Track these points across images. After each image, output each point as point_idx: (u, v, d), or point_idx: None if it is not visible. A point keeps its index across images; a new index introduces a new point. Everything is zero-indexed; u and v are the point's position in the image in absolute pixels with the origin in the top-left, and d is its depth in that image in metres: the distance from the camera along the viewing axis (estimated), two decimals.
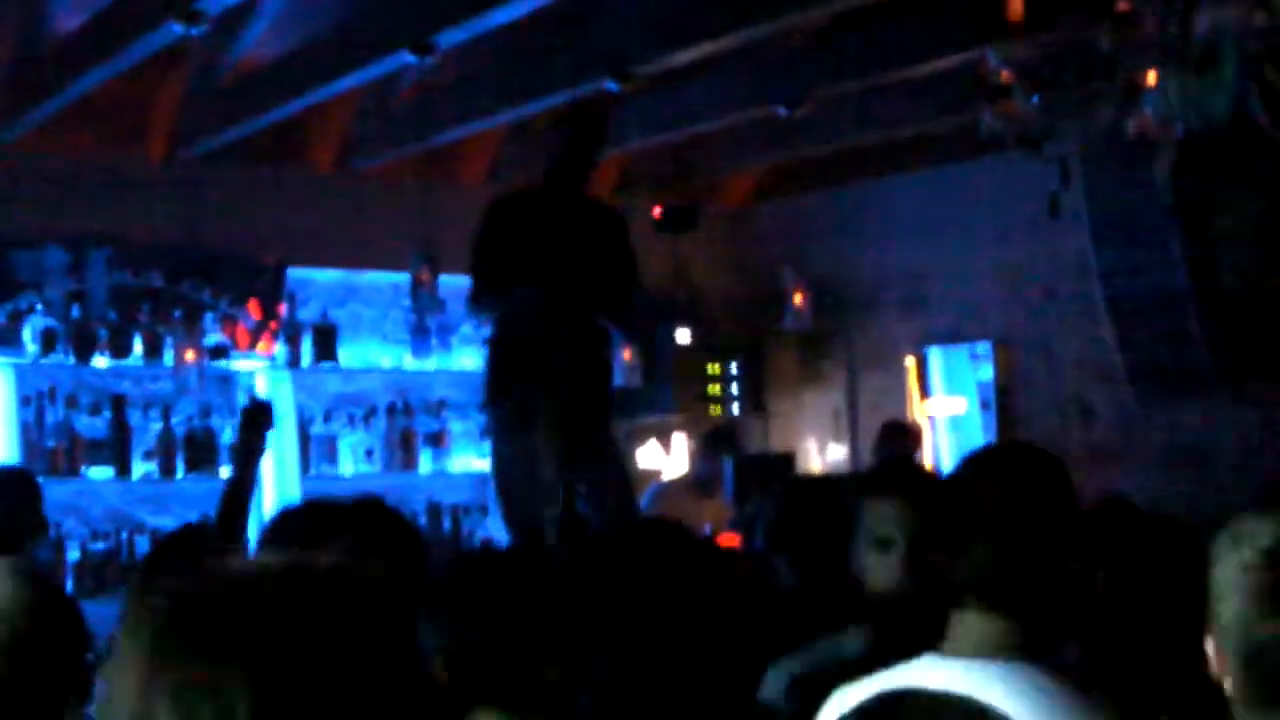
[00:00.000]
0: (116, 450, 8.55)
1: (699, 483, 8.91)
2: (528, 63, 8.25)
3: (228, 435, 8.81)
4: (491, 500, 9.35)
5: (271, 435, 4.92)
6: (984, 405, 9.90)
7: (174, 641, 1.51)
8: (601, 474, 6.81)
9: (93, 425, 8.55)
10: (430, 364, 9.71)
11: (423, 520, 9.29)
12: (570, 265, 6.96)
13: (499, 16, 6.78)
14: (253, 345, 8.92)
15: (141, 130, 8.94)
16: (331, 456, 9.22)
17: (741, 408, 10.83)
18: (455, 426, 9.60)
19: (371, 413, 9.48)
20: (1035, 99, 6.17)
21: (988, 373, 9.84)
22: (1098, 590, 3.24)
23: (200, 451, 8.67)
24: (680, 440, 10.43)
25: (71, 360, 8.43)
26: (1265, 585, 2.34)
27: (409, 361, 9.71)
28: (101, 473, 8.52)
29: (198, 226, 8.79)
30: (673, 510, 8.43)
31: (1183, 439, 8.79)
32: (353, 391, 9.57)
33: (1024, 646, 2.77)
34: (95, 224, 8.48)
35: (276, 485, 8.63)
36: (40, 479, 7.89)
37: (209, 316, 8.77)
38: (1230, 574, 2.39)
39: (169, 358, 8.61)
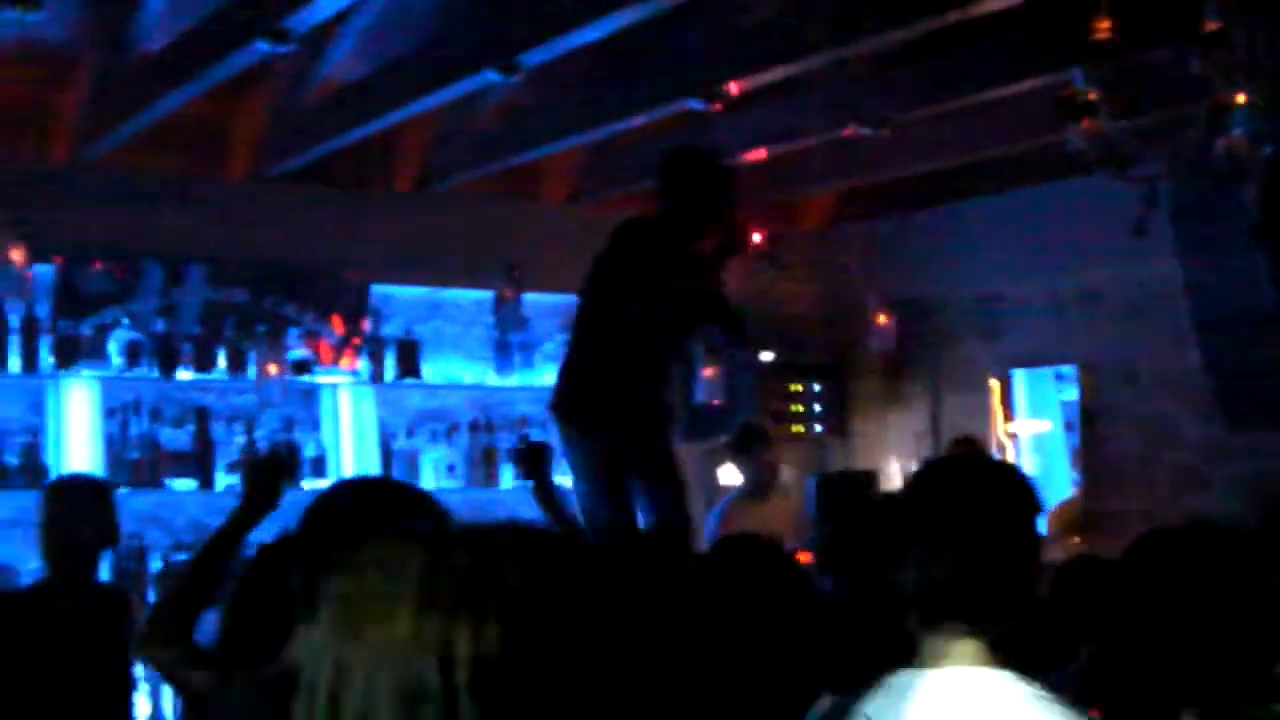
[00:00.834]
0: (199, 462, 8.62)
1: (747, 492, 8.88)
2: (611, 83, 8.27)
3: (310, 449, 8.87)
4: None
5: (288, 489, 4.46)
6: (1068, 427, 9.84)
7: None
8: (653, 485, 6.77)
9: (176, 438, 8.63)
10: (513, 380, 9.73)
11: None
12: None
13: (583, 36, 6.79)
14: (336, 360, 8.98)
15: (226, 148, 9.02)
16: (413, 472, 9.24)
17: (824, 427, 10.81)
18: None
19: (454, 428, 9.51)
20: (1122, 120, 6.12)
21: (1072, 394, 9.77)
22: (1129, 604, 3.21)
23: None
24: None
25: (156, 374, 8.51)
26: None
27: (491, 378, 9.73)
28: (185, 484, 8.59)
29: (282, 244, 8.85)
30: (734, 521, 8.43)
31: (1269, 464, 8.69)
32: (435, 407, 9.61)
33: (999, 658, 2.74)
34: (180, 241, 8.55)
35: None
36: (123, 490, 8.01)
37: (293, 331, 8.84)
38: None
39: (253, 372, 8.67)
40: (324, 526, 3.28)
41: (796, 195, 10.66)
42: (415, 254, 9.33)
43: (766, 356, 10.34)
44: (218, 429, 8.76)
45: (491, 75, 7.14)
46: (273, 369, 8.63)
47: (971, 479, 2.96)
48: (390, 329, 9.34)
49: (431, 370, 9.52)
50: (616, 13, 6.47)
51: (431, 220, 9.43)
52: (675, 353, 6.89)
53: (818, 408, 10.84)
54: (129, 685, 5.88)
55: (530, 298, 9.36)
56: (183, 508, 8.76)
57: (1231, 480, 8.87)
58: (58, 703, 5.26)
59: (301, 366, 8.86)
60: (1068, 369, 9.81)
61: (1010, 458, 9.94)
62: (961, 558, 2.78)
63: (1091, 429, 9.67)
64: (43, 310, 8.29)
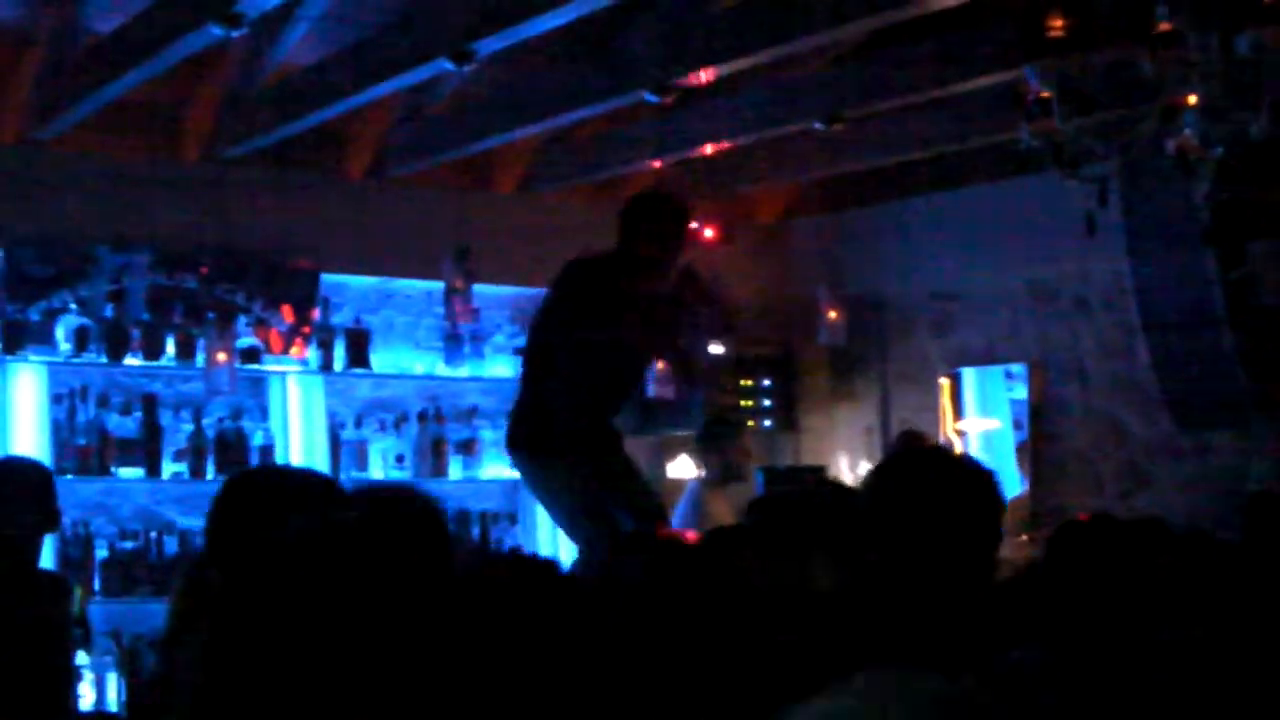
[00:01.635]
0: (147, 450, 8.57)
1: (712, 479, 8.89)
2: (564, 73, 8.26)
3: (259, 437, 8.83)
4: (521, 507, 9.40)
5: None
6: (1017, 425, 9.88)
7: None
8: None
9: (124, 425, 8.57)
10: (462, 371, 9.71)
11: (452, 528, 9.28)
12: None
13: (537, 26, 6.78)
14: (285, 349, 8.94)
15: (178, 133, 8.97)
16: (362, 462, 9.22)
17: (773, 422, 10.82)
18: (486, 434, 9.59)
19: (403, 419, 9.48)
20: (1074, 119, 6.14)
21: (1021, 392, 9.81)
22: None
23: (230, 453, 8.68)
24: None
25: (104, 360, 8.45)
26: None
27: (441, 368, 9.71)
28: (131, 472, 8.54)
29: (232, 230, 8.78)
30: (704, 508, 8.45)
31: (1215, 462, 8.75)
32: (384, 397, 9.58)
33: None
34: (130, 225, 8.50)
35: None
36: (70, 477, 7.95)
37: (242, 319, 8.79)
38: None
39: (201, 359, 8.62)
40: (230, 513, 3.28)
41: (749, 189, 10.65)
42: (367, 242, 9.30)
43: (716, 350, 10.35)
44: (165, 416, 8.71)
45: (445, 63, 7.12)
46: (221, 356, 8.57)
47: (935, 476, 2.96)
48: (340, 318, 9.31)
49: (381, 360, 9.48)
50: (572, 3, 6.46)
51: (383, 209, 9.40)
52: (625, 384, 6.95)
53: (767, 402, 10.84)
54: (70, 674, 5.83)
55: (481, 288, 9.34)
56: (129, 495, 8.72)
57: (1179, 479, 8.92)
58: None
59: (250, 354, 8.82)
60: (1017, 367, 9.84)
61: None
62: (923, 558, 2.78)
63: (1040, 426, 9.71)
64: None
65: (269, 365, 8.96)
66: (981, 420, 10.03)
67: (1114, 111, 6.50)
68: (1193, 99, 5.76)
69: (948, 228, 10.07)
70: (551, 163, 9.91)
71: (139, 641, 7.90)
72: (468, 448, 9.55)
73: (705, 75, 7.57)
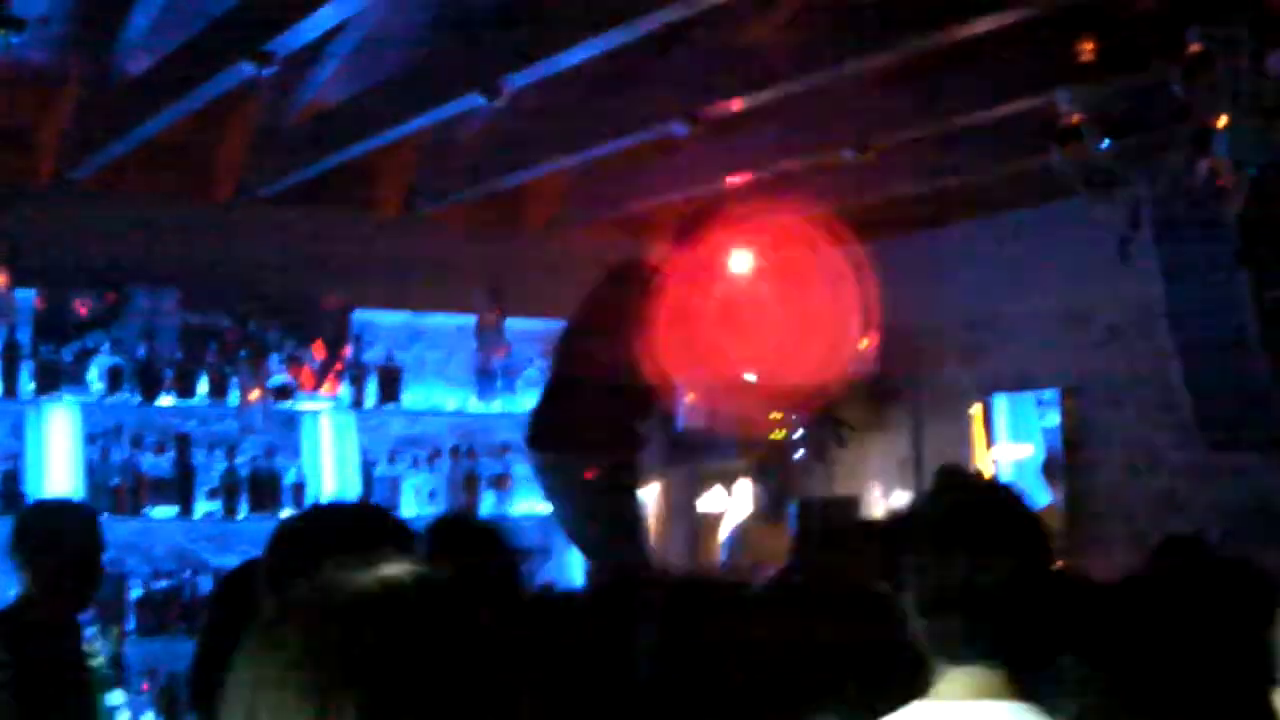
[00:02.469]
0: (180, 489, 8.59)
1: (762, 514, 8.87)
2: (594, 107, 8.27)
3: (292, 475, 8.84)
4: (553, 541, 9.39)
5: None
6: (1050, 452, 9.84)
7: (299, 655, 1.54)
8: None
9: (157, 464, 8.59)
10: (495, 407, 9.72)
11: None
12: None
13: (567, 60, 6.79)
14: (317, 386, 8.96)
15: (209, 171, 9.00)
16: (395, 499, 9.22)
17: (805, 454, 10.79)
18: (519, 470, 9.58)
19: (435, 455, 9.49)
20: (1106, 142, 6.14)
21: (1054, 419, 9.77)
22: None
23: (263, 492, 8.70)
24: (743, 485, 10.39)
25: (137, 399, 8.47)
26: None
27: (473, 404, 9.71)
28: (165, 511, 8.55)
29: (264, 268, 8.82)
30: (752, 545, 8.43)
31: (1250, 488, 8.70)
32: (417, 433, 9.59)
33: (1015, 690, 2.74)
34: (162, 264, 8.52)
35: None
36: (105, 517, 7.95)
37: (274, 357, 8.81)
38: None
39: (234, 398, 8.64)
40: (288, 552, 3.25)
41: (781, 218, 10.63)
42: (398, 278, 9.31)
43: (748, 382, 10.33)
44: (198, 455, 8.73)
45: (475, 98, 7.14)
46: (254, 395, 8.60)
47: (984, 510, 2.95)
48: (372, 355, 9.32)
49: (413, 396, 9.49)
50: (602, 35, 6.48)
51: (414, 245, 9.40)
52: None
53: (799, 433, 10.81)
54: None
55: (513, 323, 9.35)
56: (163, 535, 8.72)
57: (1214, 503, 8.87)
58: None
59: (283, 392, 8.84)
60: (1050, 393, 9.80)
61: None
62: (977, 589, 2.77)
63: (1074, 453, 9.67)
64: (24, 335, 8.25)
65: (301, 403, 8.97)
66: (1014, 447, 9.99)
67: (1146, 135, 6.50)
68: (1223, 120, 5.75)
69: (979, 255, 10.04)
70: (581, 198, 9.92)
71: (174, 680, 7.90)
72: (500, 483, 9.55)
73: (735, 106, 7.58)
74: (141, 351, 8.46)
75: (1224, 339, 8.36)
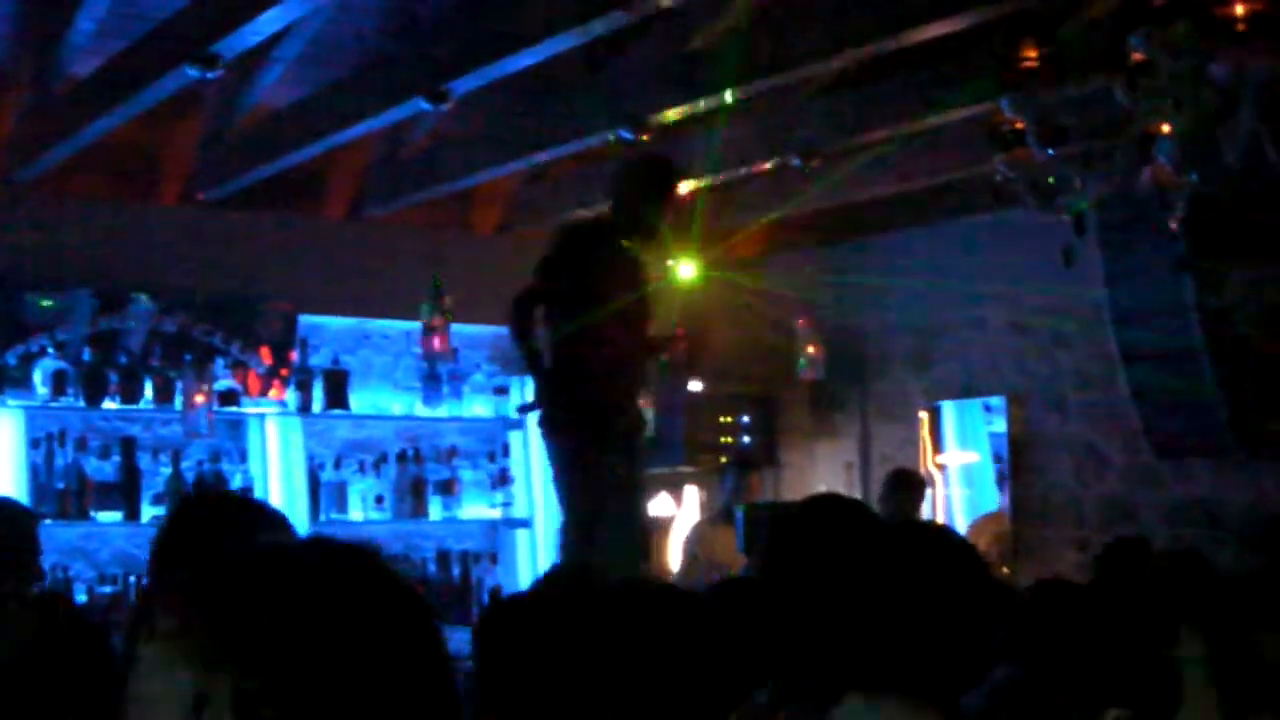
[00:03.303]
0: (125, 494, 8.54)
1: (725, 513, 8.87)
2: (541, 111, 8.27)
3: (238, 480, 8.81)
4: (501, 546, 9.37)
5: None
6: (997, 458, 9.88)
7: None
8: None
9: (102, 469, 8.55)
10: (441, 411, 9.70)
11: (432, 567, 9.28)
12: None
13: (513, 64, 6.79)
14: (264, 391, 8.93)
15: (156, 175, 8.97)
16: (341, 503, 9.20)
17: (753, 459, 10.81)
18: (466, 474, 9.59)
19: (382, 459, 9.47)
20: (1050, 150, 6.15)
21: (1001, 425, 9.81)
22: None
23: None
24: (691, 491, 10.40)
25: (82, 403, 8.43)
26: None
27: (420, 409, 9.69)
28: (110, 516, 8.50)
29: (210, 272, 8.79)
30: (711, 545, 8.43)
31: (1194, 493, 8.75)
32: (363, 438, 9.57)
33: None
34: (107, 268, 8.49)
35: None
36: (49, 522, 7.90)
37: (220, 361, 8.77)
38: None
39: (179, 402, 8.59)
40: (169, 548, 3.24)
41: (728, 225, 10.66)
42: (345, 283, 9.30)
43: (695, 387, 10.35)
44: (144, 460, 8.69)
45: (422, 103, 7.13)
46: (199, 399, 8.56)
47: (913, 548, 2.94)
48: (318, 359, 9.30)
49: (359, 401, 9.47)
50: (547, 41, 6.48)
51: (360, 249, 9.40)
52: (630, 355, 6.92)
53: (746, 438, 10.84)
54: None
55: (459, 328, 9.34)
56: (108, 540, 8.68)
57: (1161, 509, 8.92)
58: None
59: (228, 397, 8.81)
60: (996, 400, 9.85)
61: (940, 489, 9.99)
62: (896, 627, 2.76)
63: (1020, 459, 9.72)
64: None
65: (247, 407, 8.94)
66: (961, 454, 10.03)
67: (1089, 142, 6.52)
68: (1167, 127, 5.77)
69: (925, 262, 10.09)
70: (529, 202, 9.92)
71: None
72: (447, 488, 9.53)
73: (679, 112, 7.59)
74: (86, 355, 8.41)
75: (1169, 346, 8.41)
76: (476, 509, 9.61)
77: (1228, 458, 8.53)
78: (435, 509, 9.48)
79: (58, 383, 8.36)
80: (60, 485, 8.38)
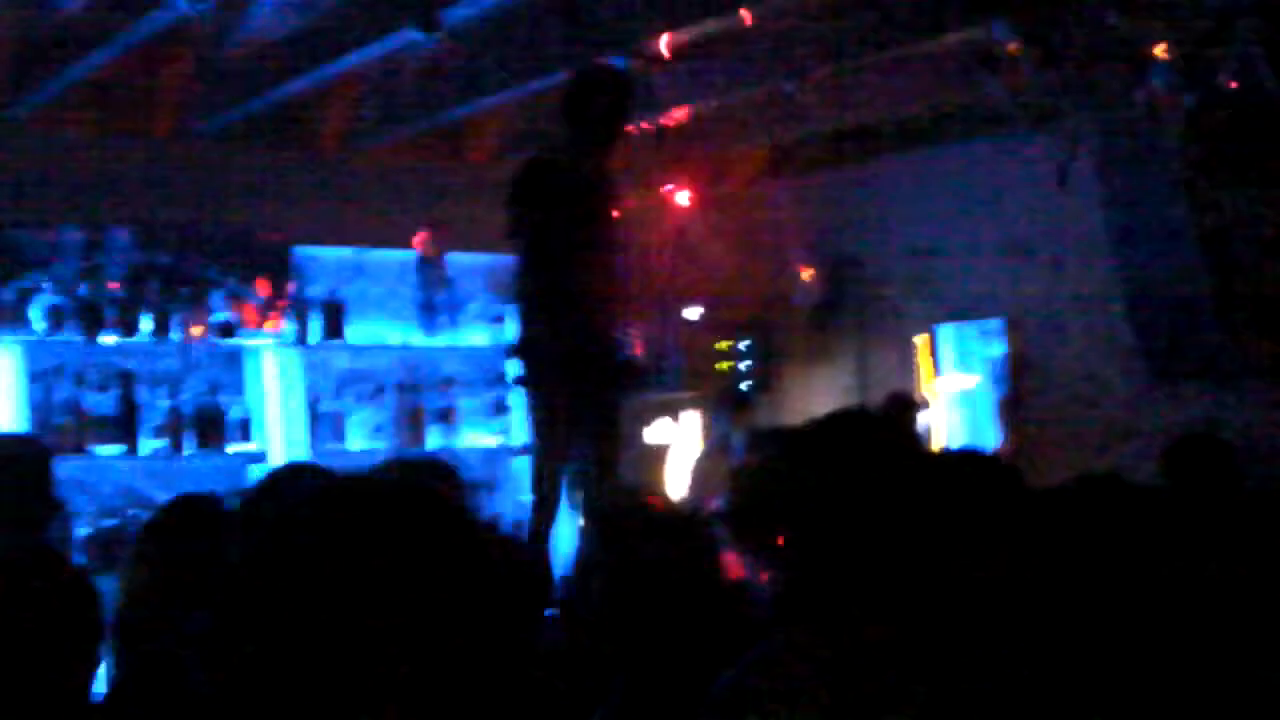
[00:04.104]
0: (125, 427, 8.55)
1: (720, 445, 8.88)
2: (534, 40, 8.23)
3: (236, 412, 8.82)
4: (499, 474, 9.39)
5: None
6: (995, 381, 9.89)
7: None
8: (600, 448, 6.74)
9: (101, 402, 8.55)
10: (439, 341, 9.70)
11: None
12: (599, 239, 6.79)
13: None
14: (261, 322, 8.93)
15: (148, 109, 8.92)
16: (339, 433, 9.22)
17: (751, 384, 10.83)
18: (464, 403, 9.59)
19: (380, 389, 9.48)
20: (1042, 71, 6.15)
21: (999, 349, 9.82)
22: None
23: (208, 427, 8.67)
24: (690, 416, 10.43)
25: (79, 338, 8.43)
26: None
27: (417, 338, 9.69)
28: (110, 449, 8.52)
29: (205, 205, 8.78)
30: (709, 476, 8.43)
31: (1191, 416, 8.75)
32: (361, 368, 9.56)
33: None
34: (103, 202, 8.48)
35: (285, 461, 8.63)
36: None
37: (217, 294, 8.78)
38: None
39: (177, 335, 8.60)
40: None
41: (723, 151, 10.64)
42: (340, 214, 9.29)
43: (693, 313, 10.36)
44: (142, 393, 8.69)
45: (413, 34, 7.10)
46: (197, 331, 8.57)
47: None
48: (314, 290, 9.29)
49: (356, 331, 9.47)
50: None
51: (355, 180, 9.38)
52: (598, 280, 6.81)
53: (744, 364, 10.86)
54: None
55: (455, 257, 9.32)
56: (109, 473, 8.69)
57: (1159, 431, 8.93)
58: None
59: (226, 329, 8.81)
60: (994, 323, 9.85)
61: (938, 412, 10.00)
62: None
63: (1018, 382, 9.73)
64: None
65: (245, 339, 8.94)
66: (960, 377, 10.04)
67: (1083, 65, 6.51)
68: (1160, 50, 5.77)
69: (921, 187, 10.07)
70: (523, 131, 9.89)
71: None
72: (445, 416, 9.54)
73: (672, 39, 7.56)
74: (83, 290, 8.42)
75: (1166, 268, 8.41)
76: (475, 437, 9.63)
77: (1224, 381, 8.53)
78: (433, 438, 9.49)
79: (55, 317, 8.36)
80: (60, 420, 8.38)
